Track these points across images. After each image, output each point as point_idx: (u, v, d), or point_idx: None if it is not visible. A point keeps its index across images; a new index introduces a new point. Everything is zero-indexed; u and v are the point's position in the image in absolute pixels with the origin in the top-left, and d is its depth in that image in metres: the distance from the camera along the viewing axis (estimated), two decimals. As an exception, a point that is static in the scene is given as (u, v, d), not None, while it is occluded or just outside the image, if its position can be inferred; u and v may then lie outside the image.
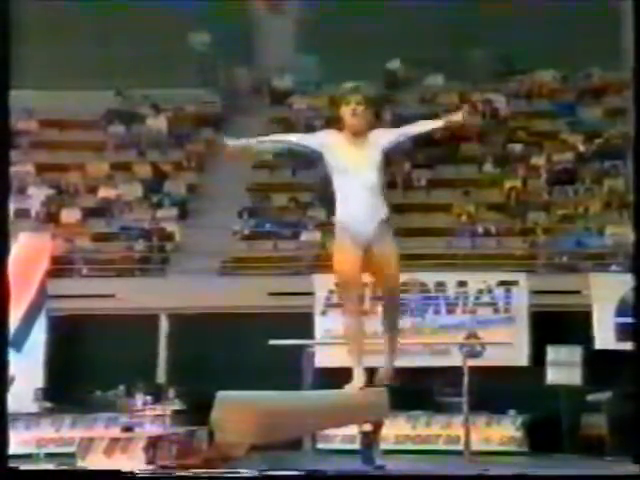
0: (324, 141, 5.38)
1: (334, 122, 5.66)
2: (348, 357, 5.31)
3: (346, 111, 5.37)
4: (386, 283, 5.44)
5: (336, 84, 20.01)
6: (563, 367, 15.15)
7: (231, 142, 5.45)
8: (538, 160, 19.27)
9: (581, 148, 19.24)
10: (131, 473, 4.19)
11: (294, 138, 5.51)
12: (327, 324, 15.75)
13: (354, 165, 5.34)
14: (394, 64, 21.31)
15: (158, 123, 20.87)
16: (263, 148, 5.82)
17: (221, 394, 4.19)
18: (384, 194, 5.46)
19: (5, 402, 3.73)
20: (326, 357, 14.65)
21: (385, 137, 5.45)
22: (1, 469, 3.77)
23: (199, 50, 21.72)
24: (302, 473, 4.14)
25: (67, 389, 15.89)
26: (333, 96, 5.53)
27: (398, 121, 20.24)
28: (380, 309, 5.55)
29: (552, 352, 15.38)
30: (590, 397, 14.75)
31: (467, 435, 13.20)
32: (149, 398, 16.05)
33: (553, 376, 15.18)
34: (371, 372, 5.40)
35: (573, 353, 15.21)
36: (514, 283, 16.53)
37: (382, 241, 5.36)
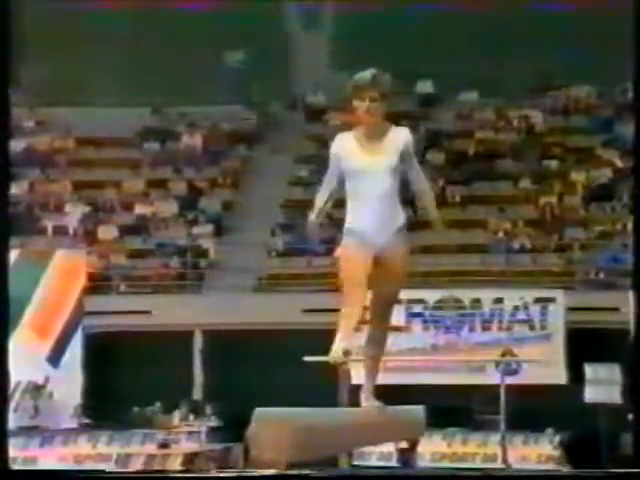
0: (338, 153, 5.00)
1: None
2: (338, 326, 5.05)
3: (360, 106, 4.95)
4: (385, 297, 5.08)
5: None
6: (602, 385, 14.97)
7: (316, 218, 5.10)
8: (574, 176, 19.15)
9: (618, 164, 19.09)
10: (133, 474, 4.19)
11: (332, 180, 5.06)
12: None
13: (367, 169, 4.93)
14: (426, 85, 21.28)
15: (193, 140, 20.98)
16: (328, 202, 5.19)
17: (258, 411, 4.17)
18: (401, 200, 5.05)
19: (6, 403, 3.76)
20: (362, 374, 14.59)
21: (405, 145, 4.98)
22: (1, 470, 3.78)
23: (234, 67, 21.83)
24: (308, 473, 4.10)
25: (104, 405, 15.95)
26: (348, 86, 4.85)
27: (434, 137, 20.30)
28: (369, 326, 5.23)
29: (591, 370, 15.22)
30: (630, 416, 14.56)
31: (504, 453, 13.08)
32: (186, 414, 16.08)
33: (592, 394, 15.00)
34: (357, 388, 5.19)
35: (612, 371, 15.03)
36: (551, 300, 16.39)
37: (394, 252, 4.97)
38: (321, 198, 5.12)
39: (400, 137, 5.02)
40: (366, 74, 5.12)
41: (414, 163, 5.05)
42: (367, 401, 5.19)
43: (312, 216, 5.14)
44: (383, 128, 5.01)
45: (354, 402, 5.31)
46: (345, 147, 5.01)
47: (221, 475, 4.48)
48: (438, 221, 5.23)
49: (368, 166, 4.95)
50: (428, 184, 5.16)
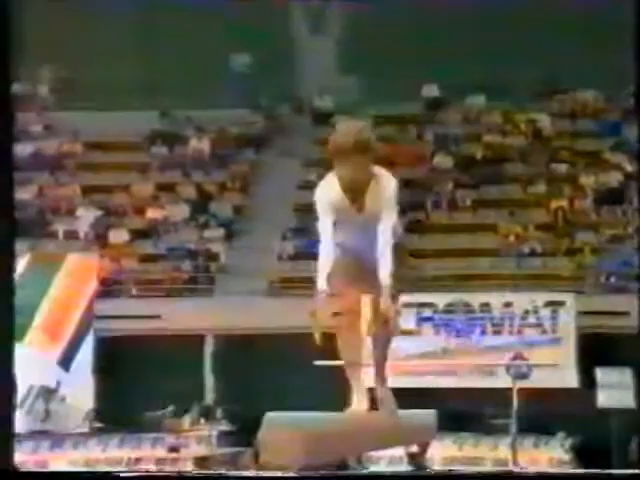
0: (326, 196, 4.65)
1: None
2: (349, 381, 4.95)
3: (342, 167, 4.56)
4: (382, 313, 5.02)
5: (377, 104, 20.24)
6: (614, 390, 14.93)
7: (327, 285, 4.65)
8: (584, 180, 19.12)
9: (627, 168, 19.06)
10: (134, 473, 4.19)
11: (329, 228, 4.66)
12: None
13: (353, 225, 4.69)
14: (432, 89, 21.25)
15: (201, 144, 21.00)
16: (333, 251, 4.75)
17: (269, 415, 4.18)
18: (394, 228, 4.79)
19: (12, 401, 3.78)
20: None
21: (389, 197, 4.65)
22: (6, 469, 3.81)
23: (241, 71, 21.86)
24: (310, 474, 4.10)
25: (115, 409, 15.97)
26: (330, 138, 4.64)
27: (441, 141, 20.28)
28: (372, 337, 5.18)
29: (603, 374, 15.18)
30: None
31: (515, 457, 13.06)
32: (197, 418, 16.08)
33: (604, 399, 14.96)
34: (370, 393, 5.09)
35: (624, 375, 14.99)
36: (561, 304, 16.36)
37: (387, 270, 4.77)
38: (326, 261, 4.64)
39: (386, 188, 4.68)
40: (348, 136, 4.60)
41: (392, 214, 4.70)
42: (380, 404, 5.19)
43: (319, 283, 4.64)
44: (368, 176, 4.65)
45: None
46: (331, 196, 4.67)
47: (228, 477, 4.48)
48: (391, 311, 4.76)
49: (354, 223, 4.69)
50: (391, 249, 4.68)
